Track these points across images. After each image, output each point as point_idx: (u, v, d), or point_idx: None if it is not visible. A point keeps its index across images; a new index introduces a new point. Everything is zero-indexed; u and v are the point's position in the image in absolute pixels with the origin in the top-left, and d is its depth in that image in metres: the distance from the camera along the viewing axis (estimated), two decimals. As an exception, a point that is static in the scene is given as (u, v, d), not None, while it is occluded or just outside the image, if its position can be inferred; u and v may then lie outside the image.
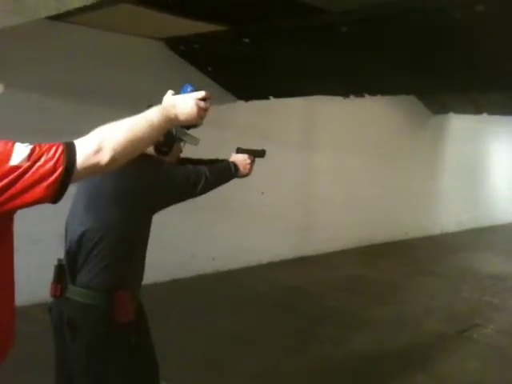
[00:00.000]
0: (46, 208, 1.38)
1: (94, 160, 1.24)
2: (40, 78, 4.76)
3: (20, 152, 1.18)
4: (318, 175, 7.65)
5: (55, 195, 1.21)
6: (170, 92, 1.65)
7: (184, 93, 1.62)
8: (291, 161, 7.20)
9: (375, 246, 8.44)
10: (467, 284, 6.48)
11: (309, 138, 7.49)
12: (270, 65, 5.20)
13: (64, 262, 1.96)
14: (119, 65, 5.28)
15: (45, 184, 1.18)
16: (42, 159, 1.19)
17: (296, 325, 4.70)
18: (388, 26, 3.86)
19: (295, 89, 5.69)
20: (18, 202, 1.18)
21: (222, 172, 2.20)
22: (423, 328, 4.79)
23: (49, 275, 1.97)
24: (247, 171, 2.29)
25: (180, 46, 5.54)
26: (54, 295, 1.94)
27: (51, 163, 1.19)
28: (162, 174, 2.01)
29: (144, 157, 1.68)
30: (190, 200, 2.11)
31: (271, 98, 5.97)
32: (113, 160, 1.27)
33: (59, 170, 1.19)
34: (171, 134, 1.95)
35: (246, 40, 4.73)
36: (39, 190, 1.19)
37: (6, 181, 1.16)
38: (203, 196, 2.12)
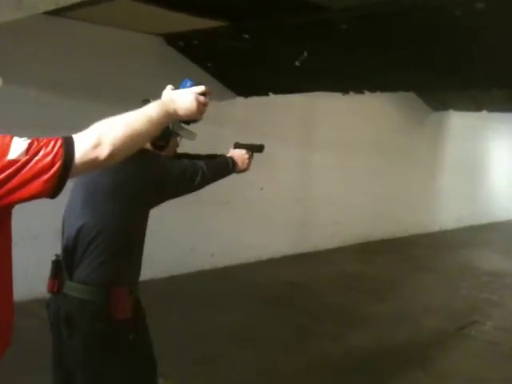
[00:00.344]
0: (45, 203, 1.37)
1: (92, 155, 1.23)
2: (38, 74, 4.74)
3: (18, 146, 1.17)
4: (317, 171, 7.64)
5: (53, 190, 1.20)
6: (169, 87, 1.63)
7: (183, 87, 1.61)
8: (290, 157, 7.19)
9: (374, 242, 8.43)
10: (466, 281, 6.49)
11: (308, 135, 7.47)
12: (270, 61, 5.18)
13: (61, 258, 1.95)
14: (118, 60, 5.26)
15: (43, 178, 1.17)
16: (41, 153, 1.17)
17: (295, 321, 4.70)
18: (388, 23, 3.85)
19: (295, 85, 5.67)
20: (15, 196, 1.17)
21: (219, 167, 2.18)
22: (422, 325, 4.80)
23: (47, 270, 1.96)
24: (245, 166, 2.27)
25: (179, 42, 5.51)
26: (51, 291, 1.93)
27: (49, 157, 1.18)
28: (160, 168, 1.99)
29: (141, 151, 1.68)
30: (189, 194, 2.09)
31: (271, 94, 5.96)
32: (111, 155, 1.26)
33: (57, 165, 1.18)
34: (168, 129, 1.93)
35: (246, 36, 4.71)
36: (37, 185, 1.17)
37: (3, 175, 1.15)
38: (202, 190, 2.10)
